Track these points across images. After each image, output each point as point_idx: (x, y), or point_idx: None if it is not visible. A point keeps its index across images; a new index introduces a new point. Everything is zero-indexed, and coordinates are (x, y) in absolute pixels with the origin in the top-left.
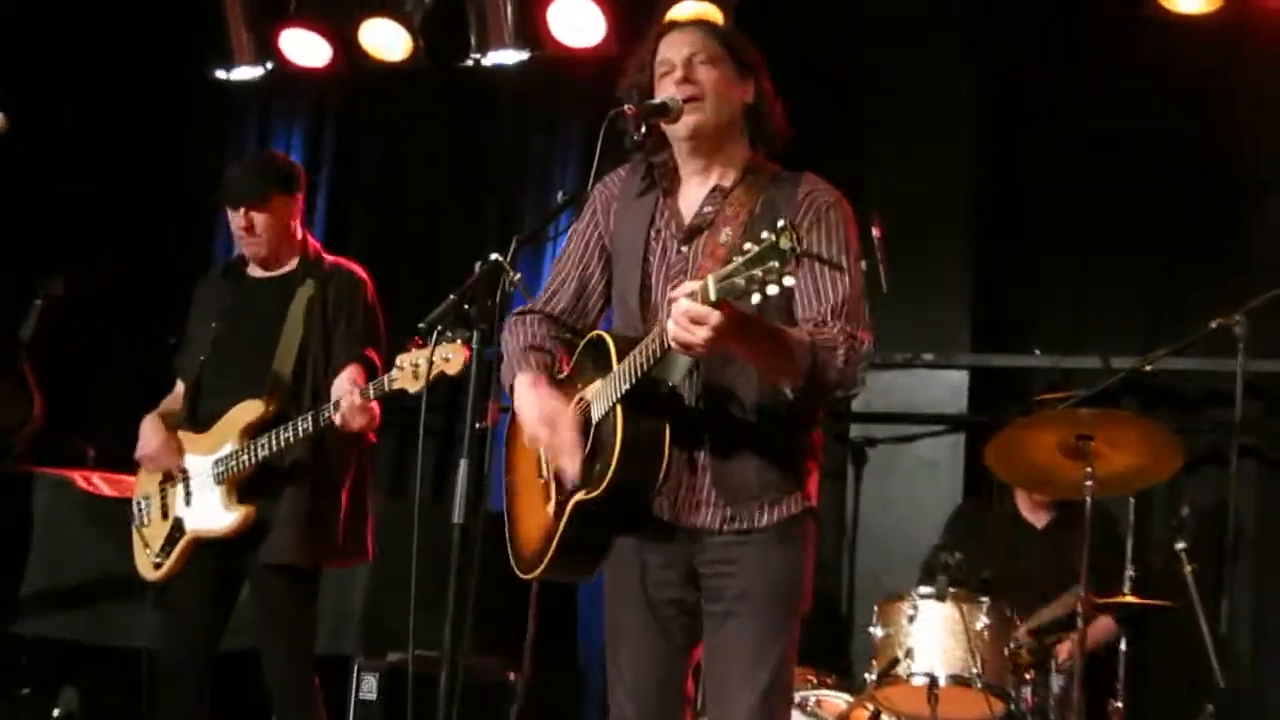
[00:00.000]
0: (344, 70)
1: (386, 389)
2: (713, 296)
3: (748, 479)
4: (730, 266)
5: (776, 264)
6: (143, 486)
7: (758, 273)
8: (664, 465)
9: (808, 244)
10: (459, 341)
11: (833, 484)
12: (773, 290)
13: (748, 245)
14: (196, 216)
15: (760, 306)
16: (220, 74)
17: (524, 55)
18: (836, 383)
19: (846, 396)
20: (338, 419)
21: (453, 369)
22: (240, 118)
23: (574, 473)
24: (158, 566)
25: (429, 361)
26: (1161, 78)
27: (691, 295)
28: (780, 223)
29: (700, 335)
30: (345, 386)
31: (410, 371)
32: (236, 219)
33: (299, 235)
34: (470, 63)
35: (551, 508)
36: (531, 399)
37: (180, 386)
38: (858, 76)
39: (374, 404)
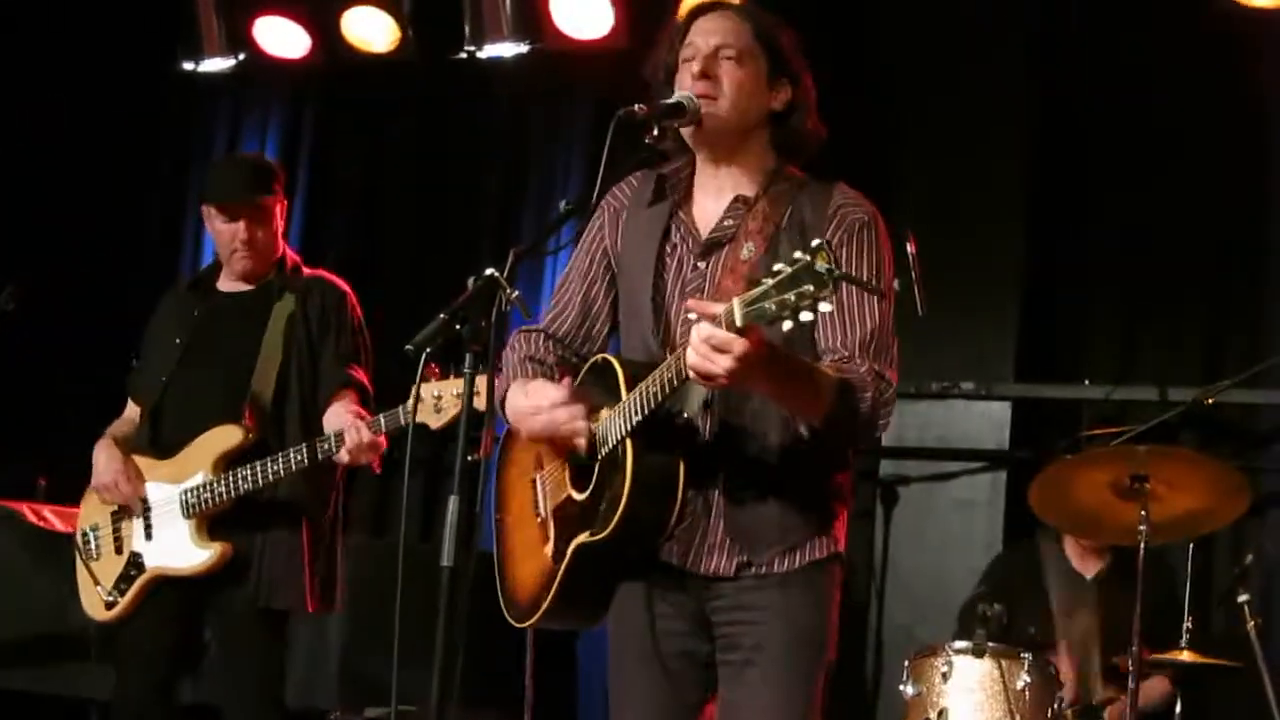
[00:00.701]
0: (324, 62)
1: (402, 422)
2: (738, 322)
3: (767, 524)
4: (759, 289)
5: (811, 287)
6: (89, 516)
7: (790, 297)
8: (677, 505)
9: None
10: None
11: (861, 525)
12: (806, 317)
13: (778, 266)
14: (161, 223)
15: (789, 336)
16: (188, 66)
17: (524, 48)
18: (860, 427)
19: (867, 442)
20: (345, 456)
21: (479, 404)
22: (209, 114)
23: (584, 440)
24: (110, 605)
25: (416, 388)
26: (1224, 93)
27: (714, 319)
28: (815, 241)
29: (723, 365)
30: (347, 419)
31: (432, 405)
32: (233, 230)
33: (280, 247)
34: (464, 55)
35: (550, 550)
36: (524, 398)
37: (132, 408)
38: (903, 80)
39: (383, 438)
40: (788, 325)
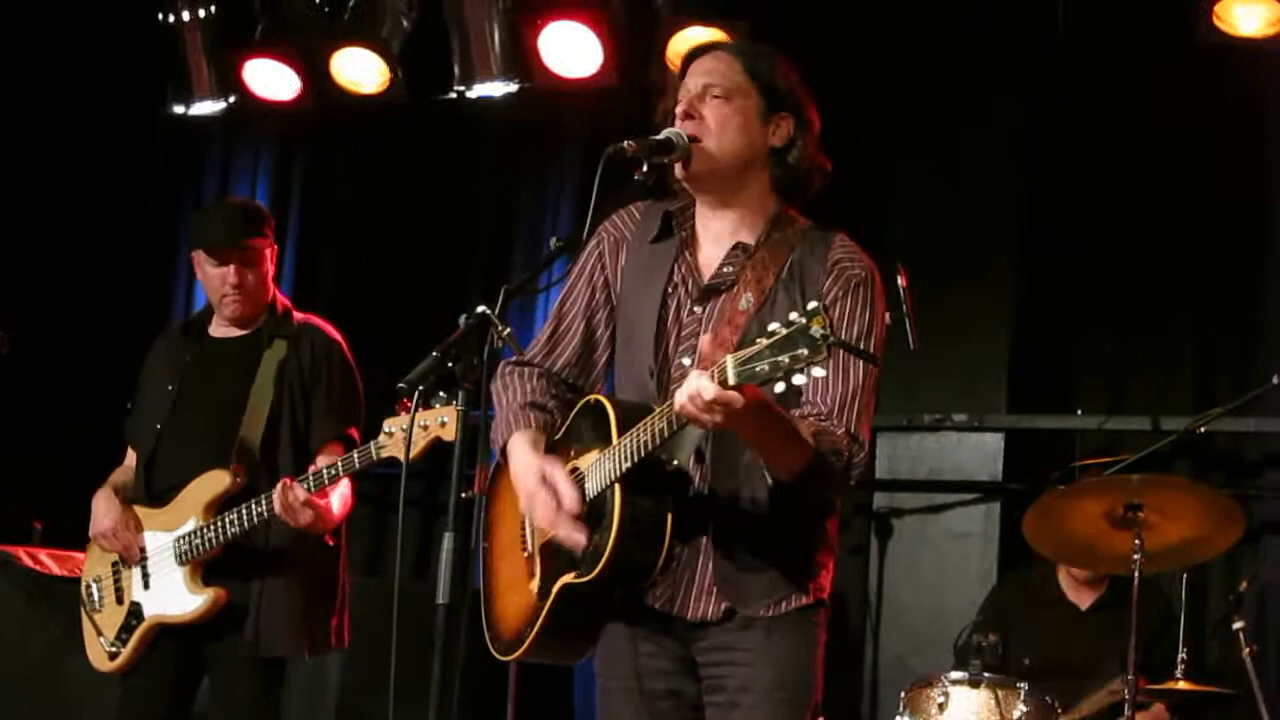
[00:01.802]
0: (314, 104)
1: (375, 458)
2: (731, 380)
3: (756, 576)
4: (754, 350)
5: (806, 352)
6: (93, 567)
7: (784, 359)
8: (664, 551)
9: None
10: (453, 404)
11: (855, 558)
12: (799, 380)
13: (774, 326)
14: (153, 266)
15: (782, 395)
16: (178, 109)
17: (513, 87)
18: (830, 486)
19: (829, 498)
20: (278, 510)
21: (449, 434)
22: (200, 157)
23: (581, 544)
24: (113, 656)
25: (409, 429)
26: (1215, 122)
27: (708, 374)
28: (813, 305)
29: (716, 418)
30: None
31: (401, 438)
32: (223, 274)
33: (271, 292)
34: (454, 95)
35: (535, 586)
36: (530, 462)
37: (131, 456)
38: (895, 113)
39: (324, 501)
40: (780, 388)
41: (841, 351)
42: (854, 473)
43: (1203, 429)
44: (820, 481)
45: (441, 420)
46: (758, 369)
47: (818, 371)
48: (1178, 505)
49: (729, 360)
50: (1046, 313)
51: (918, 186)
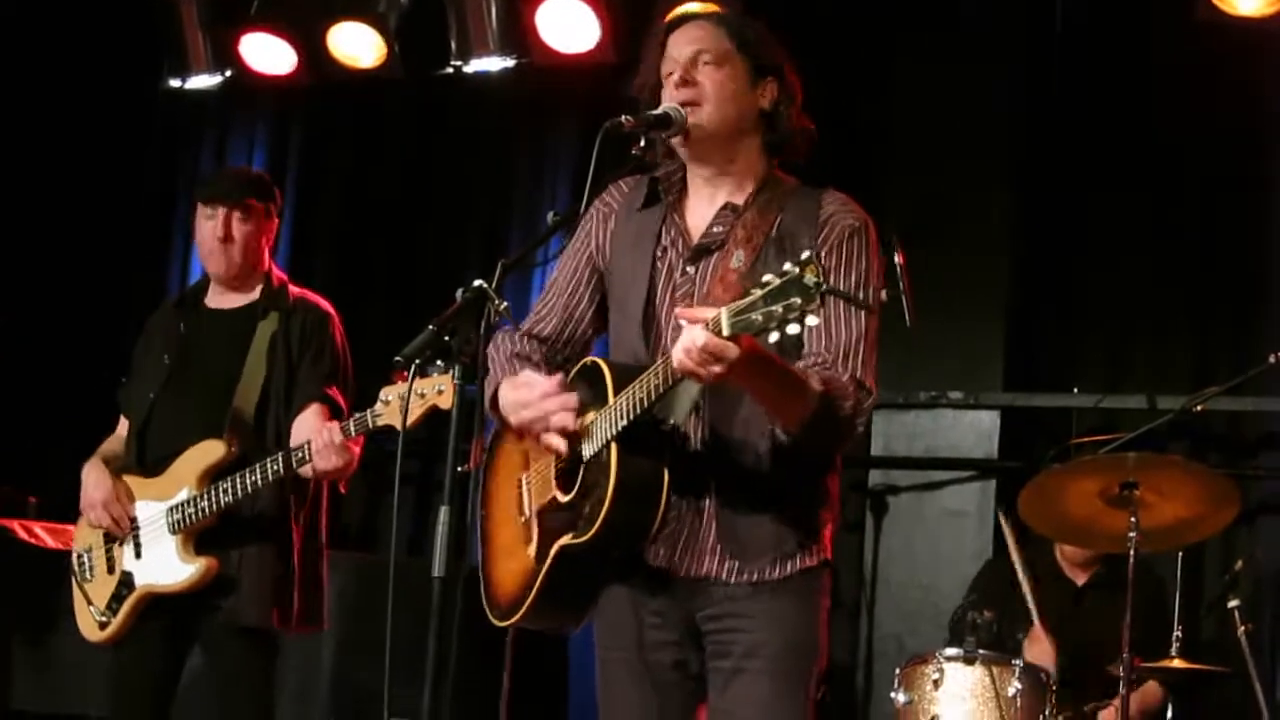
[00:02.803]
0: (310, 78)
1: (371, 426)
2: (725, 331)
3: (760, 531)
4: (747, 300)
5: (799, 300)
6: (83, 538)
7: (777, 309)
8: (660, 511)
9: (824, 272)
10: (449, 373)
11: (850, 536)
12: (793, 330)
13: (767, 277)
14: (148, 240)
15: (780, 345)
16: (174, 83)
17: (510, 62)
18: (838, 434)
19: (838, 449)
20: (317, 461)
21: (445, 402)
22: (196, 131)
23: (570, 422)
24: (103, 625)
25: (407, 396)
26: (1215, 102)
27: (702, 325)
28: (805, 254)
29: (713, 371)
30: (315, 425)
31: (398, 406)
32: (211, 226)
33: (266, 264)
34: (450, 70)
35: (533, 550)
36: (513, 390)
37: (123, 426)
38: (889, 88)
39: (354, 444)
40: (774, 337)
41: (841, 302)
42: (860, 419)
43: (1199, 408)
44: (827, 429)
45: (439, 389)
46: (752, 318)
47: (811, 320)
48: (1174, 484)
49: (723, 312)
50: (1043, 291)
51: (913, 162)
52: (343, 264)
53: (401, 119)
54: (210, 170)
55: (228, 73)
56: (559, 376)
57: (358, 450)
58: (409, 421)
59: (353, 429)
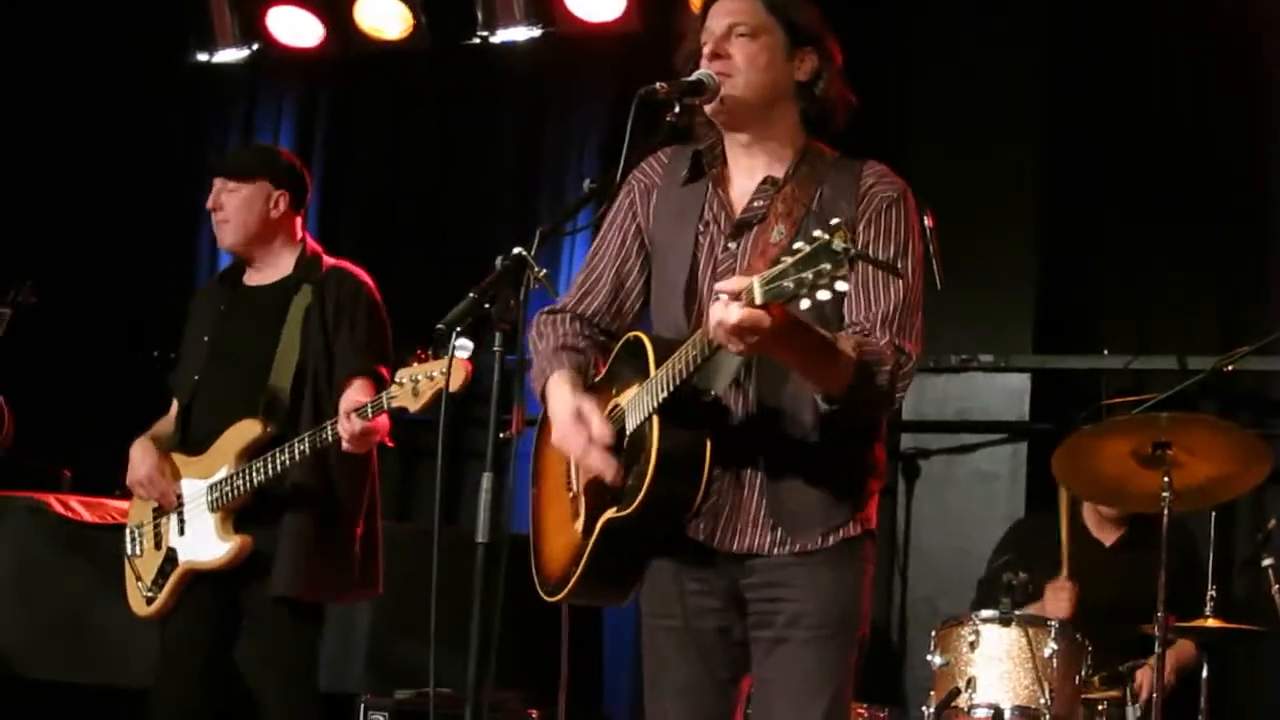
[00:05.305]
0: (337, 51)
1: (386, 407)
2: (758, 300)
3: (808, 502)
4: (778, 268)
5: (829, 266)
6: (136, 514)
7: (808, 275)
8: (703, 483)
9: (864, 244)
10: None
11: (883, 500)
12: (824, 295)
13: (798, 245)
14: (176, 215)
15: (817, 312)
16: (201, 57)
17: (536, 32)
18: (877, 400)
19: (882, 415)
20: (345, 446)
21: (453, 385)
22: (223, 105)
23: (612, 476)
24: (150, 601)
25: (449, 360)
26: (1239, 59)
27: (735, 296)
28: (834, 221)
29: (747, 341)
30: (344, 408)
31: (410, 388)
32: (210, 198)
33: (297, 236)
34: (477, 41)
35: (580, 525)
36: (564, 399)
37: (175, 407)
38: (915, 55)
39: (379, 421)
40: (805, 304)
41: (880, 270)
42: (901, 384)
43: (1229, 368)
44: (867, 394)
45: (432, 375)
46: (784, 286)
47: (842, 286)
48: (1205, 444)
49: (755, 280)
50: (1072, 252)
51: (940, 127)
52: (371, 237)
53: (428, 91)
54: (237, 144)
55: (254, 46)
56: (609, 431)
57: (386, 423)
58: (419, 406)
59: (369, 412)
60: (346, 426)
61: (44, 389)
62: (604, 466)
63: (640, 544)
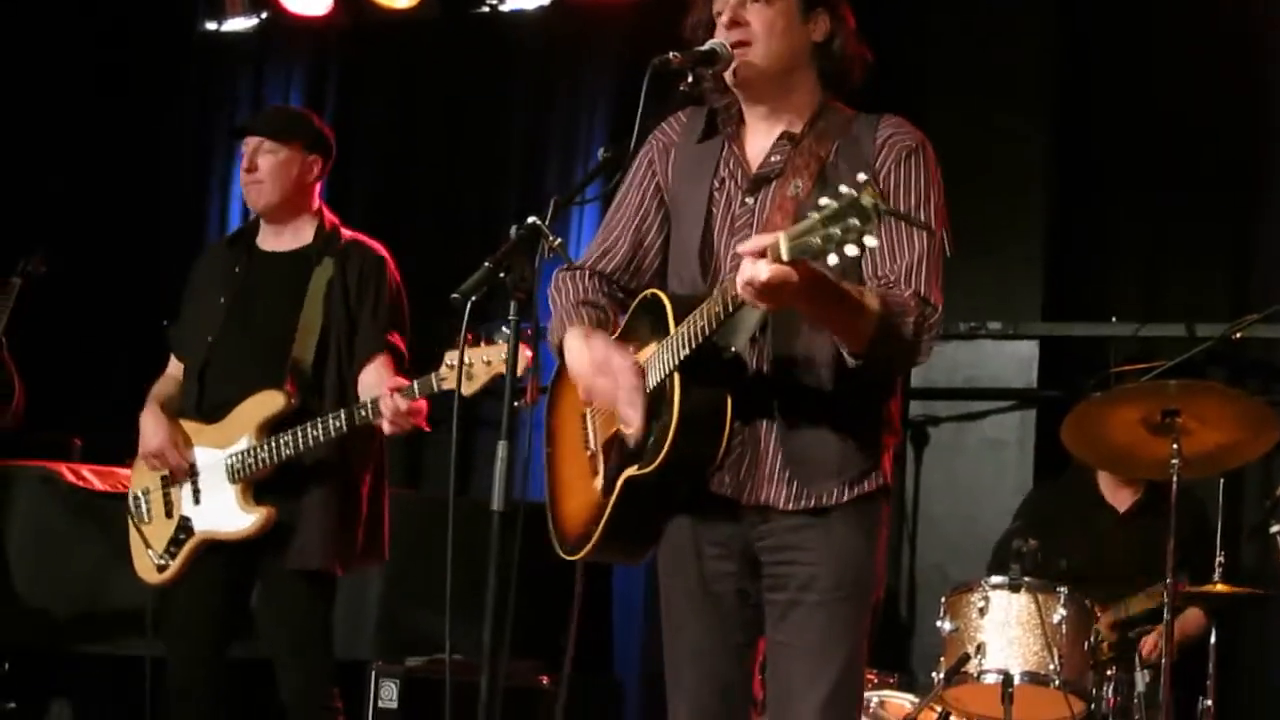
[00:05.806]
0: (346, 20)
1: (435, 389)
2: (784, 256)
3: (825, 454)
4: (805, 224)
5: (857, 222)
6: (140, 479)
7: (836, 231)
8: (724, 439)
9: (883, 194)
10: (500, 341)
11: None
12: (852, 251)
13: (824, 200)
14: (186, 184)
15: (841, 270)
16: (210, 25)
17: (545, 0)
18: (904, 351)
19: (909, 367)
20: (386, 427)
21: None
22: (232, 74)
23: (638, 424)
24: (162, 569)
25: (460, 353)
26: (1249, 24)
27: (761, 253)
28: (861, 176)
29: (773, 296)
30: (377, 384)
31: (464, 371)
32: (244, 157)
33: (315, 205)
34: (486, 9)
35: (599, 483)
36: (584, 350)
37: (175, 365)
38: (925, 21)
39: (421, 403)
40: (833, 260)
41: (902, 223)
42: (927, 335)
43: (1237, 336)
44: (892, 346)
45: (486, 360)
46: (811, 241)
47: (870, 241)
48: (1214, 411)
49: (781, 236)
50: (1080, 220)
51: (950, 94)
52: (381, 206)
53: (438, 59)
54: (246, 113)
55: (264, 15)
56: (640, 379)
57: (425, 403)
58: (473, 389)
59: (417, 391)
60: (389, 405)
61: (54, 358)
62: (635, 416)
63: (661, 501)
